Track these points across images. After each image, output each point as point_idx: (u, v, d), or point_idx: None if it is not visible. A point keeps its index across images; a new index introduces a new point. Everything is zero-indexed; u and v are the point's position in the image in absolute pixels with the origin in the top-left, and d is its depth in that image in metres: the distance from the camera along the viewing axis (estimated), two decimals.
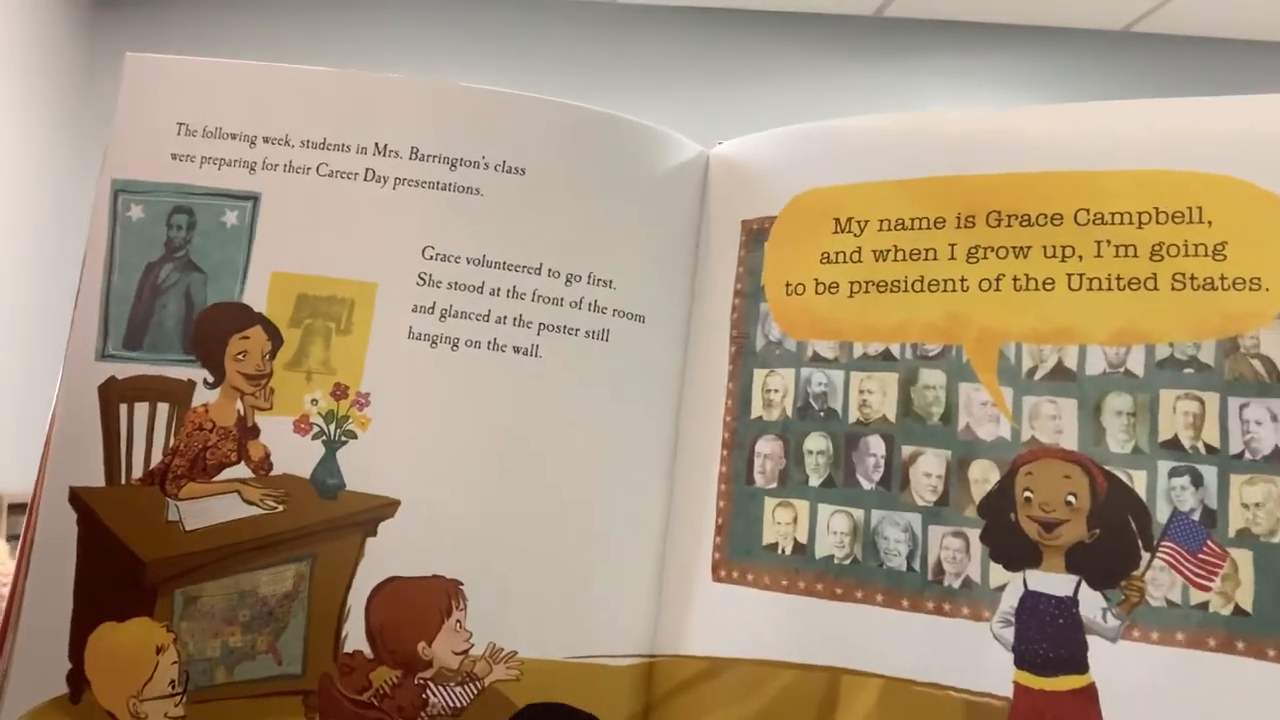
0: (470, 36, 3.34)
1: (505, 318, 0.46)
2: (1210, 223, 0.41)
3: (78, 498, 0.46)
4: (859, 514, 0.43)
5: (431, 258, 0.47)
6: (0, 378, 2.72)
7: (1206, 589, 0.39)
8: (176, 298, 0.48)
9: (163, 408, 0.47)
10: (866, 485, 0.43)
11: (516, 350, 0.46)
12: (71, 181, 2.98)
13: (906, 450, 0.43)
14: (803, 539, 0.44)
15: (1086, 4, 3.30)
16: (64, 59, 3.07)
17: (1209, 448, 0.40)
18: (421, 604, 0.44)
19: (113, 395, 0.47)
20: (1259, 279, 0.40)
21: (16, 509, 2.49)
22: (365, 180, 0.47)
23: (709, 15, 3.48)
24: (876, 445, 0.44)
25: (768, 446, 0.45)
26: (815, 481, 0.44)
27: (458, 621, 0.44)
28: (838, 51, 3.44)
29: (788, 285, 0.46)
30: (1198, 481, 0.40)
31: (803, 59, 3.42)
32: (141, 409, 0.47)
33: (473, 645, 0.44)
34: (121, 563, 0.45)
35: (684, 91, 3.26)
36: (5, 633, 0.45)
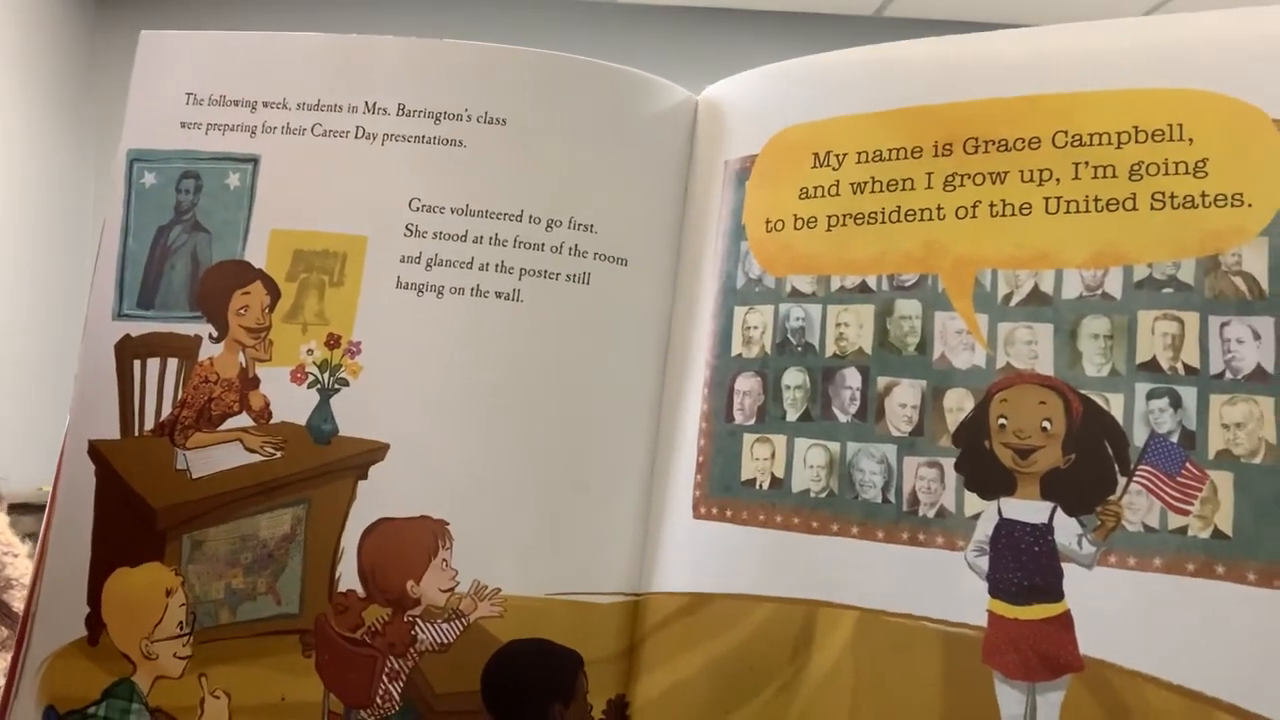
0: (469, 37, 3.35)
1: (488, 264, 0.47)
2: (1191, 140, 0.40)
3: (96, 450, 0.48)
4: (835, 447, 0.43)
5: (418, 209, 0.48)
6: None
7: (1185, 512, 0.38)
8: (184, 258, 0.50)
9: (172, 363, 0.49)
10: (842, 418, 0.43)
11: (499, 295, 0.47)
12: (72, 178, 3.00)
13: (882, 381, 0.43)
14: (780, 474, 0.44)
15: (1086, 4, 3.22)
16: (66, 55, 3.14)
17: (1188, 368, 0.39)
18: (409, 544, 0.45)
19: (127, 352, 0.49)
20: (1241, 195, 0.39)
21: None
22: (356, 138, 0.49)
23: (709, 15, 3.45)
24: (853, 378, 0.43)
25: (746, 384, 0.45)
26: (792, 416, 0.44)
27: (444, 560, 0.45)
28: None
29: (768, 222, 0.46)
30: (1176, 403, 0.39)
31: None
32: (153, 364, 0.49)
33: (458, 583, 0.45)
34: (135, 510, 0.47)
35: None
36: (34, 582, 0.48)
